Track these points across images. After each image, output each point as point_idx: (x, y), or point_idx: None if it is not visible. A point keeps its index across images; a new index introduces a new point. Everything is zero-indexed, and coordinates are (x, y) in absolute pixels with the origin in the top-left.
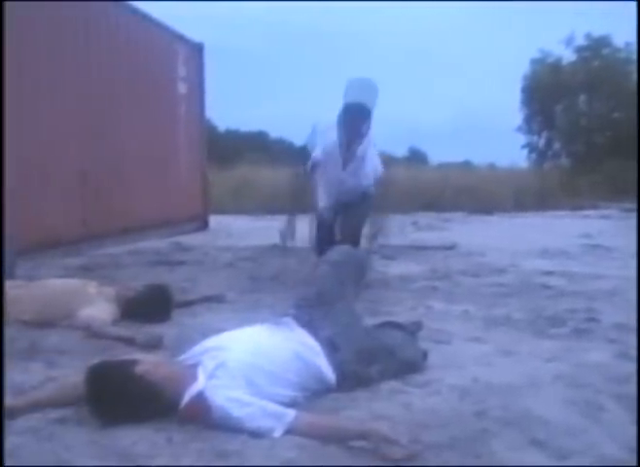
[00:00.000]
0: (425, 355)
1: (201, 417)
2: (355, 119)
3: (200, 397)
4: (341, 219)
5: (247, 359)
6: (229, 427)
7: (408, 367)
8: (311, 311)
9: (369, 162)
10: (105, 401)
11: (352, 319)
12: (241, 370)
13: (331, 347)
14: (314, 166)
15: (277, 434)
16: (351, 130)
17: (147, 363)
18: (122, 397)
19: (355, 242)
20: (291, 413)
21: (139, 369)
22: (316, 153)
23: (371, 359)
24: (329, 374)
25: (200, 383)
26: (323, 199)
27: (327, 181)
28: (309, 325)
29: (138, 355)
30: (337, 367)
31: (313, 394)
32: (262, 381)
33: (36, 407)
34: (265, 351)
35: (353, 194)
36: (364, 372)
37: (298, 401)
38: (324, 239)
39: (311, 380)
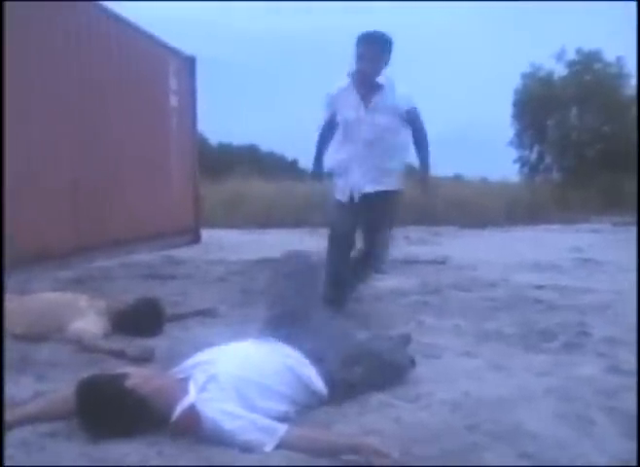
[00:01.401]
0: (413, 362)
1: (193, 430)
2: (371, 48)
3: (192, 410)
4: (364, 218)
5: (238, 372)
6: (220, 441)
7: (393, 369)
8: (286, 328)
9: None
10: (96, 415)
11: (330, 327)
12: (232, 383)
13: (315, 358)
14: (326, 132)
15: (268, 448)
16: (368, 66)
17: (137, 376)
18: (112, 411)
19: (380, 252)
20: (282, 428)
21: (129, 382)
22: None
23: (354, 363)
24: (319, 384)
25: (192, 397)
26: (340, 186)
27: (346, 137)
28: (289, 340)
29: (129, 369)
30: (325, 376)
31: (304, 408)
32: (253, 395)
33: (26, 421)
34: (255, 364)
35: (385, 142)
36: (350, 377)
37: (289, 416)
38: (338, 255)
39: (302, 393)
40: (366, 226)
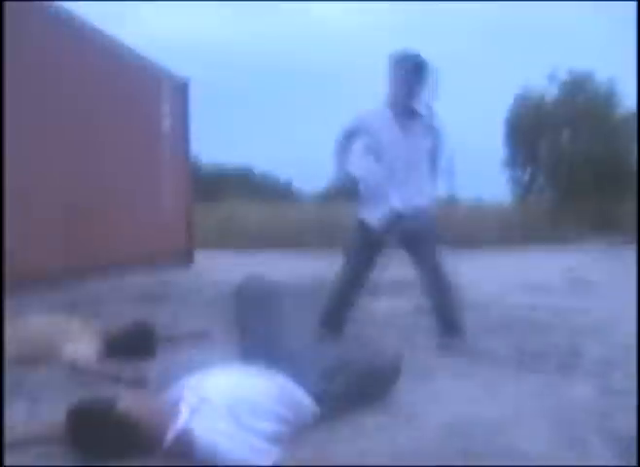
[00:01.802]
0: (398, 369)
1: (186, 452)
2: (404, 71)
3: (184, 432)
4: (412, 254)
5: (229, 391)
6: (214, 462)
7: (377, 375)
8: (262, 358)
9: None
10: (87, 438)
11: (305, 346)
12: (224, 403)
13: (296, 377)
14: (345, 141)
15: None
16: (402, 90)
17: (129, 399)
18: (104, 434)
19: (446, 284)
20: (276, 451)
21: (121, 405)
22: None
23: (334, 374)
24: (307, 401)
25: (184, 418)
26: (371, 207)
27: (381, 160)
28: (269, 366)
29: (121, 392)
30: (309, 392)
31: (297, 427)
32: (245, 414)
33: (20, 444)
34: (245, 383)
35: (423, 165)
36: (333, 388)
37: (281, 436)
38: (351, 281)
39: (293, 410)
40: (424, 271)
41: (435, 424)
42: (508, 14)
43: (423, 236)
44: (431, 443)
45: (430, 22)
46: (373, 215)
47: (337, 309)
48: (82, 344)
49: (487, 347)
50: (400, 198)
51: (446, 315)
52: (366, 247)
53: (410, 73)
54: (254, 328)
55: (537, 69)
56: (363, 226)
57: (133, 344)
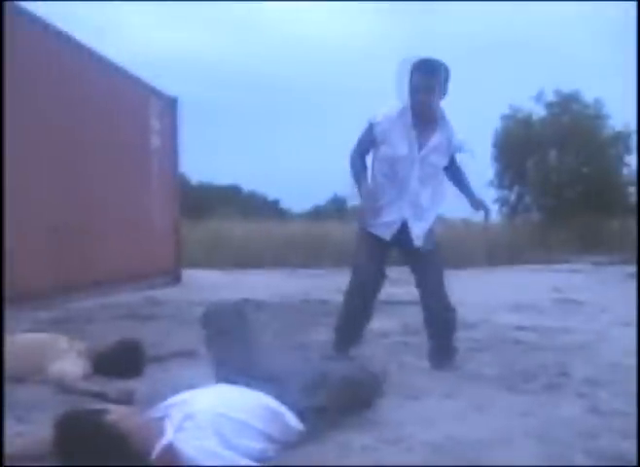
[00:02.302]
0: (379, 381)
1: None
2: (428, 78)
3: (169, 449)
4: (418, 271)
5: (214, 409)
6: None
7: (360, 387)
8: (242, 383)
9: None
10: (74, 448)
11: (283, 364)
12: (209, 421)
13: (278, 395)
14: (359, 151)
15: None
16: (425, 99)
17: (117, 413)
18: (91, 445)
19: (447, 305)
20: None
21: (109, 418)
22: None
23: (315, 388)
24: (292, 418)
25: (169, 435)
26: (380, 218)
27: (394, 173)
28: (249, 387)
29: (108, 406)
30: (292, 409)
31: (282, 445)
32: (230, 432)
33: (5, 461)
34: (230, 400)
35: (435, 181)
36: (316, 401)
37: (267, 454)
38: (361, 296)
39: (278, 427)
40: (425, 292)
41: (422, 444)
42: (494, 33)
43: (429, 257)
44: (418, 463)
45: (416, 40)
46: (382, 226)
47: (353, 327)
48: (68, 362)
49: (475, 367)
50: (412, 214)
51: (442, 338)
52: (374, 258)
53: (433, 80)
54: (230, 357)
55: (523, 89)
56: (370, 236)
57: (120, 363)
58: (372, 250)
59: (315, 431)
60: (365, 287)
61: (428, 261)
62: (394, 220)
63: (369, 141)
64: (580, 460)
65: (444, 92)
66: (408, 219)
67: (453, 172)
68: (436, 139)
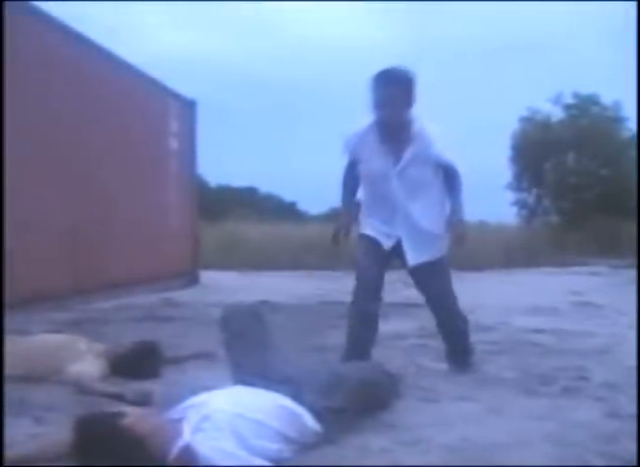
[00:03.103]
0: (395, 382)
1: None
2: (390, 92)
3: (187, 450)
4: (421, 284)
5: (231, 409)
6: None
7: (372, 386)
8: (259, 387)
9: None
10: (91, 452)
11: (300, 367)
12: (226, 421)
13: (295, 396)
14: (348, 177)
15: None
16: (389, 115)
17: (133, 415)
18: (108, 448)
19: (462, 326)
20: None
21: (125, 421)
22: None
23: (332, 390)
24: (309, 419)
25: (186, 437)
26: (369, 222)
27: (375, 192)
28: (267, 389)
29: (125, 408)
30: (309, 408)
31: (300, 446)
32: (247, 432)
33: (21, 463)
34: (247, 400)
35: (422, 197)
36: (333, 403)
37: (283, 455)
38: (365, 300)
39: (295, 427)
40: (431, 303)
41: (439, 446)
42: (508, 34)
43: (430, 267)
44: (436, 465)
45: (428, 41)
46: (382, 234)
47: (363, 332)
48: (86, 363)
49: (492, 370)
50: (405, 233)
51: (455, 343)
52: (377, 261)
53: (395, 94)
54: (247, 363)
55: (541, 91)
56: (369, 240)
57: (138, 364)
58: (372, 254)
59: (332, 432)
60: (368, 291)
61: (430, 272)
62: (390, 234)
63: (350, 159)
64: (597, 464)
65: (411, 102)
66: (401, 238)
67: (445, 184)
68: (411, 151)
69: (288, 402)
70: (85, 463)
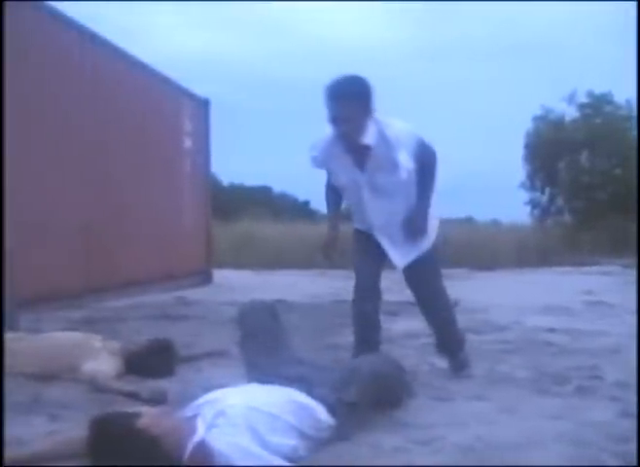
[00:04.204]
0: (402, 368)
1: None
2: (342, 106)
3: (202, 446)
4: (410, 279)
5: (246, 404)
6: None
7: (384, 379)
8: (272, 379)
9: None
10: (106, 453)
11: (312, 364)
12: (241, 416)
13: (306, 389)
14: (330, 191)
15: None
16: (346, 128)
17: (149, 416)
18: (123, 451)
19: (445, 307)
20: None
21: (141, 422)
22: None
23: (344, 383)
24: (323, 412)
25: (200, 433)
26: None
27: (351, 200)
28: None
29: (141, 408)
30: (322, 402)
31: (314, 442)
32: (262, 428)
33: (34, 461)
34: (261, 396)
35: (400, 198)
36: (346, 396)
37: (299, 453)
38: (365, 291)
39: (309, 422)
40: (420, 301)
41: (453, 446)
42: (525, 34)
43: (417, 264)
44: (449, 464)
45: (442, 41)
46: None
47: (365, 331)
48: (102, 361)
49: (506, 369)
50: (387, 242)
51: (444, 336)
52: (371, 258)
53: (348, 107)
54: (258, 356)
55: (554, 90)
56: (361, 234)
57: (152, 362)
58: (365, 251)
59: (346, 427)
60: (364, 290)
61: (418, 270)
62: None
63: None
64: (611, 464)
65: (367, 113)
66: (384, 246)
67: (419, 170)
68: (375, 158)
69: (302, 397)
70: (99, 463)
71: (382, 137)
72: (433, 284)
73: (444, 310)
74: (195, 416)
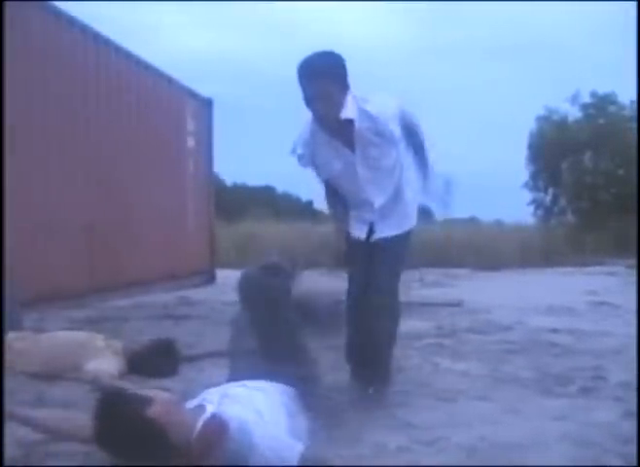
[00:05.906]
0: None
1: (218, 438)
2: (317, 85)
3: (214, 417)
4: (374, 255)
5: (246, 393)
6: (248, 449)
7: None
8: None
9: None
10: (114, 438)
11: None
12: (245, 396)
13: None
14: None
15: (292, 463)
16: (323, 108)
17: (160, 404)
18: (130, 439)
19: (391, 297)
20: (301, 446)
21: (151, 411)
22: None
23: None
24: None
25: (213, 407)
26: (354, 221)
27: (343, 187)
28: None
29: (152, 392)
30: (288, 384)
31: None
32: (265, 409)
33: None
34: (260, 395)
35: (386, 174)
36: (301, 372)
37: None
38: (357, 300)
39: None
40: (375, 271)
41: (457, 446)
42: (529, 34)
43: (387, 243)
44: (452, 464)
45: (449, 40)
46: (356, 229)
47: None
48: (104, 361)
49: (510, 370)
50: (376, 214)
51: (372, 362)
52: (360, 258)
53: (323, 86)
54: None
55: (558, 90)
56: (350, 238)
57: (155, 362)
58: (355, 253)
59: (314, 407)
60: (357, 297)
61: (386, 247)
62: (364, 218)
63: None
64: (615, 464)
65: (344, 87)
66: (374, 222)
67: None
68: (361, 133)
69: (287, 399)
70: (101, 442)
71: (363, 112)
72: (391, 269)
73: (391, 319)
74: (201, 405)
